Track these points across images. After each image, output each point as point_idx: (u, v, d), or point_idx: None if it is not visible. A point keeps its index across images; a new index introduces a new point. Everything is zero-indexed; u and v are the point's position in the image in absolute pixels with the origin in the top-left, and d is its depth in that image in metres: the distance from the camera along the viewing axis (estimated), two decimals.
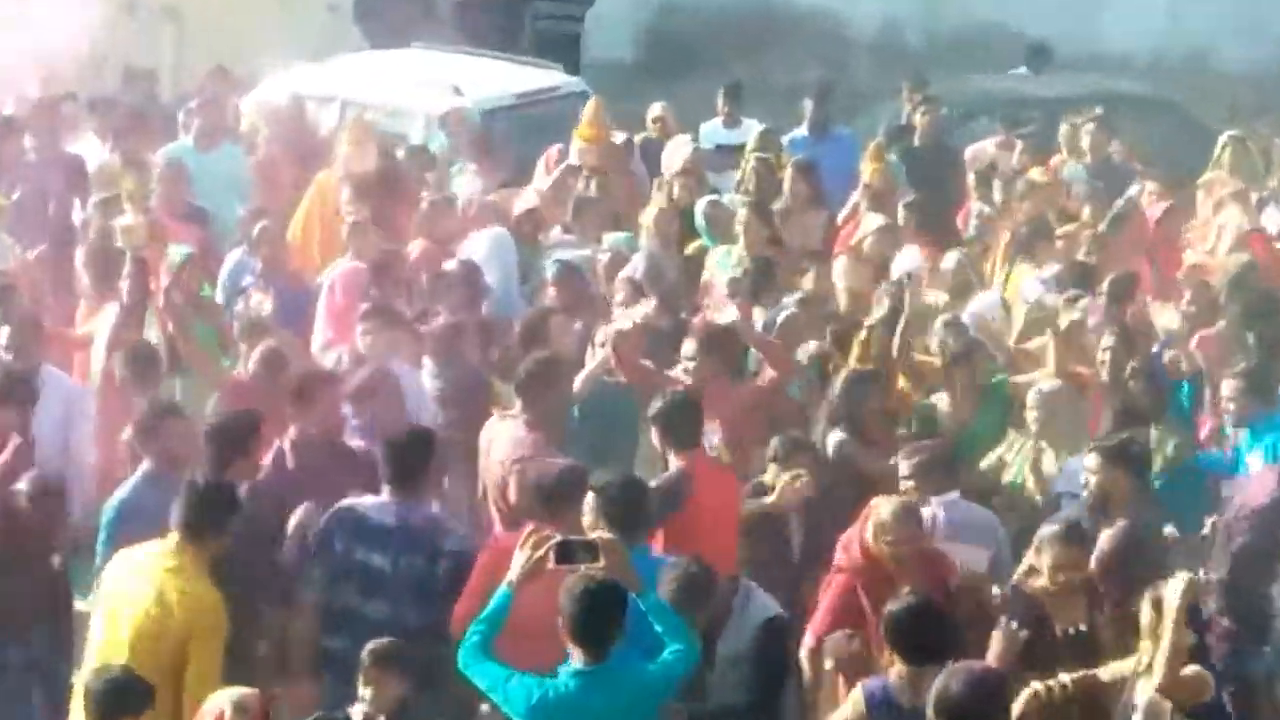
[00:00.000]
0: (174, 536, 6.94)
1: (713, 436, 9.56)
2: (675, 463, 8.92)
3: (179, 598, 6.84)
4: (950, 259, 12.61)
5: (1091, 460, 8.28)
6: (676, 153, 13.99)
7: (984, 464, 9.65)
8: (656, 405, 8.72)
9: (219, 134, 14.49)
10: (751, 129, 15.00)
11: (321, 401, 9.31)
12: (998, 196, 13.68)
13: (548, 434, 9.42)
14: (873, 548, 7.60)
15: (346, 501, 8.23)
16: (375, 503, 8.27)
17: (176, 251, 12.06)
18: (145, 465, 8.66)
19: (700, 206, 13.15)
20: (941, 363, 10.67)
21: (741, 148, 14.69)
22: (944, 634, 6.78)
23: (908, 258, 12.57)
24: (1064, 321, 10.78)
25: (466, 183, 14.10)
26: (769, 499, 8.65)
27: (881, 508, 7.74)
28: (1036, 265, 12.48)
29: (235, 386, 10.27)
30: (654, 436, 9.05)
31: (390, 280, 11.81)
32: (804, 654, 7.84)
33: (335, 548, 8.19)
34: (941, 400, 10.52)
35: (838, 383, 9.93)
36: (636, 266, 12.10)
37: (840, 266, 12.21)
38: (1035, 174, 14.24)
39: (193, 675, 6.61)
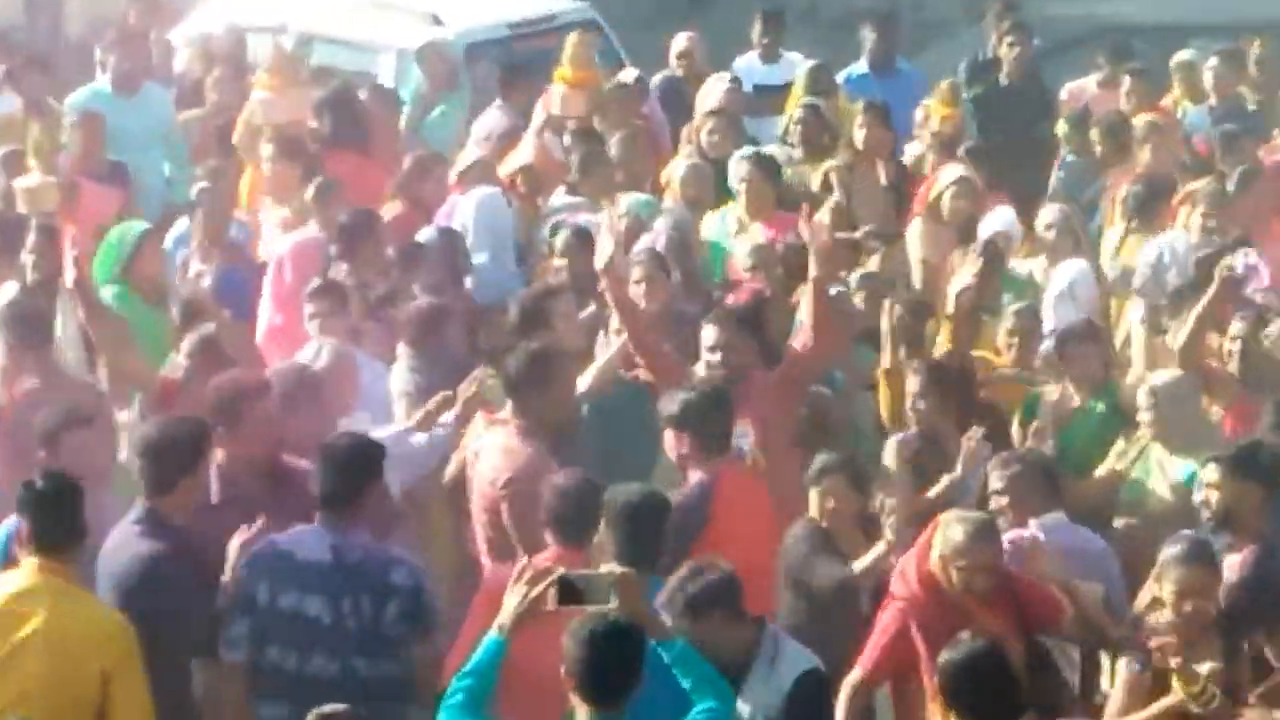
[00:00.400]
0: (31, 562, 6.79)
1: (743, 441, 9.43)
2: (696, 475, 8.77)
3: (76, 629, 6.73)
4: (1050, 214, 12.39)
5: (1212, 472, 8.11)
6: (711, 94, 13.87)
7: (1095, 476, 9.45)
8: (676, 403, 8.55)
9: (142, 75, 14.35)
10: (796, 65, 14.79)
11: (252, 414, 9.08)
12: (1097, 147, 13.56)
13: (547, 443, 9.16)
14: (938, 574, 7.45)
15: (269, 536, 8.04)
16: (303, 534, 8.04)
17: (126, 229, 11.79)
18: None
19: (736, 161, 12.73)
20: (1016, 357, 10.64)
21: (784, 88, 14.61)
22: (1012, 691, 6.62)
23: (999, 218, 12.44)
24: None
25: (489, 120, 14.10)
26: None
27: (952, 525, 7.55)
28: (1149, 231, 12.35)
29: (166, 386, 10.07)
30: (670, 443, 8.89)
31: (364, 252, 11.63)
32: (843, 696, 7.64)
33: (258, 595, 8.00)
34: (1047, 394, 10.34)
35: (912, 376, 9.71)
36: (658, 235, 11.81)
37: (914, 232, 12.16)
38: (1145, 119, 13.90)
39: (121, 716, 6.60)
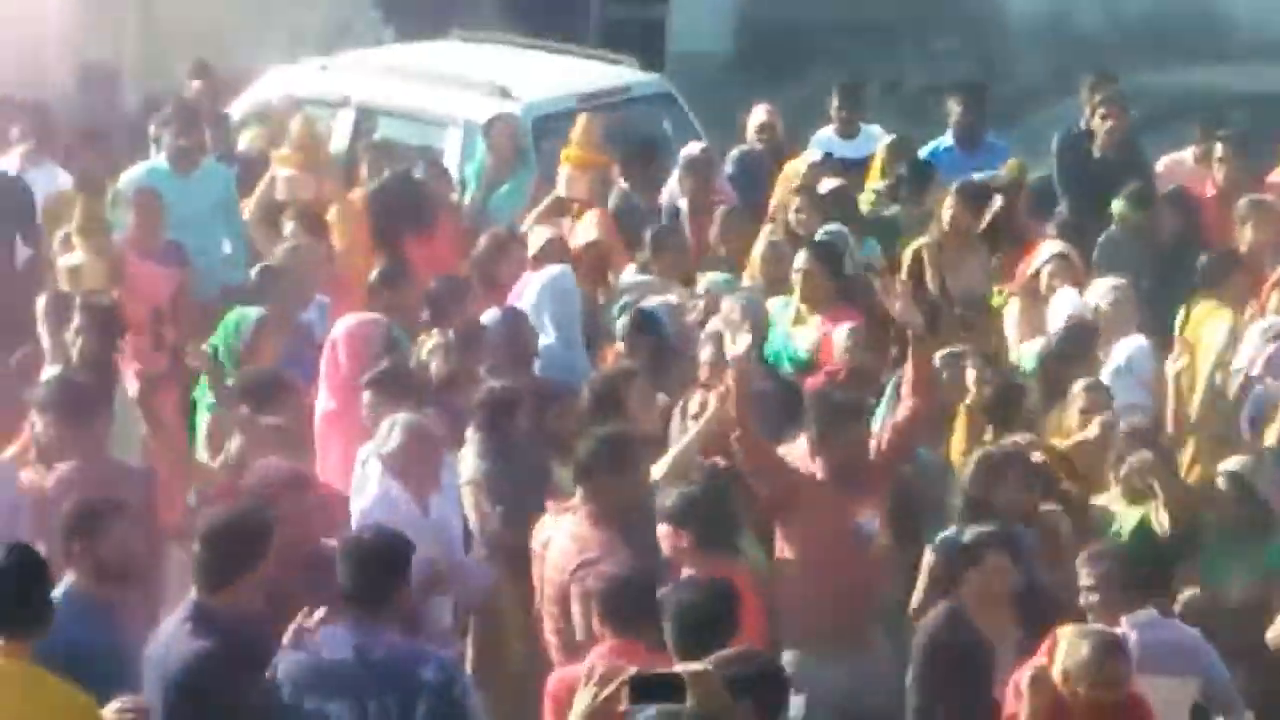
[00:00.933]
0: None
1: (871, 525, 9.19)
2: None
3: (48, 714, 6.48)
4: (1101, 289, 12.07)
5: None
6: (799, 171, 13.72)
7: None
8: (677, 498, 8.33)
9: (199, 151, 14.10)
10: (875, 139, 14.69)
11: (291, 506, 8.78)
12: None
13: (618, 531, 8.92)
14: (1063, 691, 7.18)
15: (299, 633, 7.66)
16: (330, 632, 7.67)
17: (242, 317, 11.75)
18: (66, 580, 7.92)
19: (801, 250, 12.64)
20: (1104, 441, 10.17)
21: (863, 162, 14.37)
22: None
23: (1071, 296, 12.20)
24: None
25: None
26: None
27: (1078, 641, 7.23)
28: (1221, 301, 11.97)
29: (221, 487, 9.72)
30: (666, 538, 8.50)
31: (455, 318, 11.50)
32: None
33: (285, 696, 7.77)
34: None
35: (973, 463, 9.51)
36: (731, 311, 11.39)
37: (1012, 311, 12.08)
38: (1248, 198, 13.56)
39: None
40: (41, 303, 11.88)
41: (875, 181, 14.02)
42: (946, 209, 13.10)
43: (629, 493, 9.26)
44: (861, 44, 18.74)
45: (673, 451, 10.16)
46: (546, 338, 11.64)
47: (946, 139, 14.73)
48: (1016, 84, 17.98)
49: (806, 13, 19.37)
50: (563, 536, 8.87)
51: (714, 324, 11.46)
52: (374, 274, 12.30)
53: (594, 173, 13.58)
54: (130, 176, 13.89)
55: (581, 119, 14.00)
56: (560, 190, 13.54)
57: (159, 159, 14.18)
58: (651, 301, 11.99)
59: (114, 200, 13.72)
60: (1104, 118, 14.52)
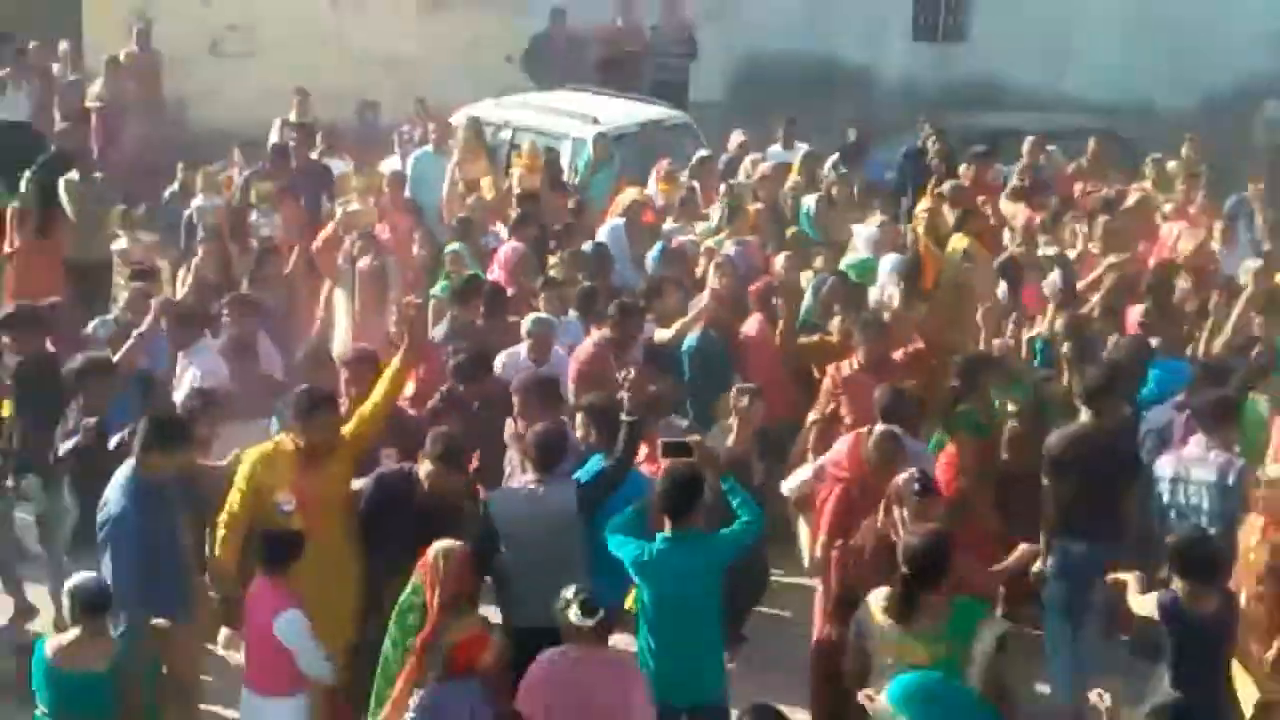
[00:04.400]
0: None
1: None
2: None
3: None
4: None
5: None
6: (761, 168, 15.77)
7: None
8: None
9: (442, 142, 16.22)
10: (800, 150, 16.49)
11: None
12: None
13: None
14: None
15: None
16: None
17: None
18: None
19: (809, 201, 14.77)
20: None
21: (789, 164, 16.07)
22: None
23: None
24: None
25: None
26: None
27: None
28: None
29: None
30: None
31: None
32: None
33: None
34: None
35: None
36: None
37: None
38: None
39: None
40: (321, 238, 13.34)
41: (794, 176, 15.66)
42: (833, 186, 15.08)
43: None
44: (804, 96, 19.77)
45: (682, 320, 11.33)
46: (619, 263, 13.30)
47: (839, 154, 16.65)
48: (884, 122, 19.17)
49: (771, 78, 21.12)
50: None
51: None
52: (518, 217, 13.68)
53: (533, 175, 15.38)
54: (410, 160, 16.12)
55: (528, 143, 15.89)
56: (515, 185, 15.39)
57: (427, 148, 16.29)
58: (677, 240, 13.72)
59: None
60: (933, 143, 16.80)
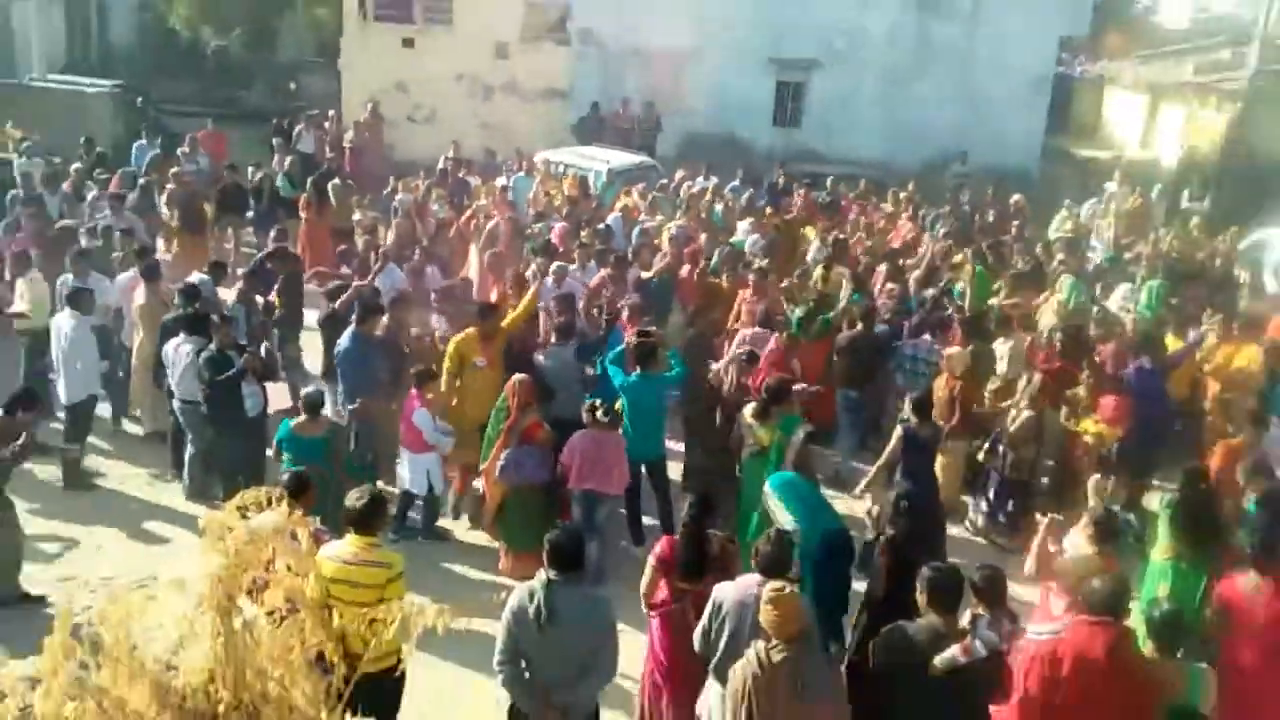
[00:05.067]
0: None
1: None
2: None
3: None
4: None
5: None
6: (696, 187, 15.31)
7: None
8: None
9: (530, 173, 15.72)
10: (709, 180, 15.79)
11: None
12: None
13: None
14: None
15: None
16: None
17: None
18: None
19: (718, 208, 14.19)
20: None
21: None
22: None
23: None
24: None
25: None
26: None
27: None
28: None
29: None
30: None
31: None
32: None
33: None
34: None
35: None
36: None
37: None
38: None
39: None
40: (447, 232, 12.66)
41: (710, 194, 14.88)
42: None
43: None
44: (716, 154, 18.97)
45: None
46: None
47: (735, 182, 16.07)
48: (757, 169, 17.86)
49: (698, 144, 19.99)
50: None
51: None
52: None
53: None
54: (511, 180, 15.18)
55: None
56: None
57: (518, 174, 15.60)
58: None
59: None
60: (782, 180, 16.59)
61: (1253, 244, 14.03)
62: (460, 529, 8.47)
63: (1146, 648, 4.84)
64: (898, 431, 7.75)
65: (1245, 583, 5.45)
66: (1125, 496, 7.55)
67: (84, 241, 11.01)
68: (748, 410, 7.38)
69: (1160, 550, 6.16)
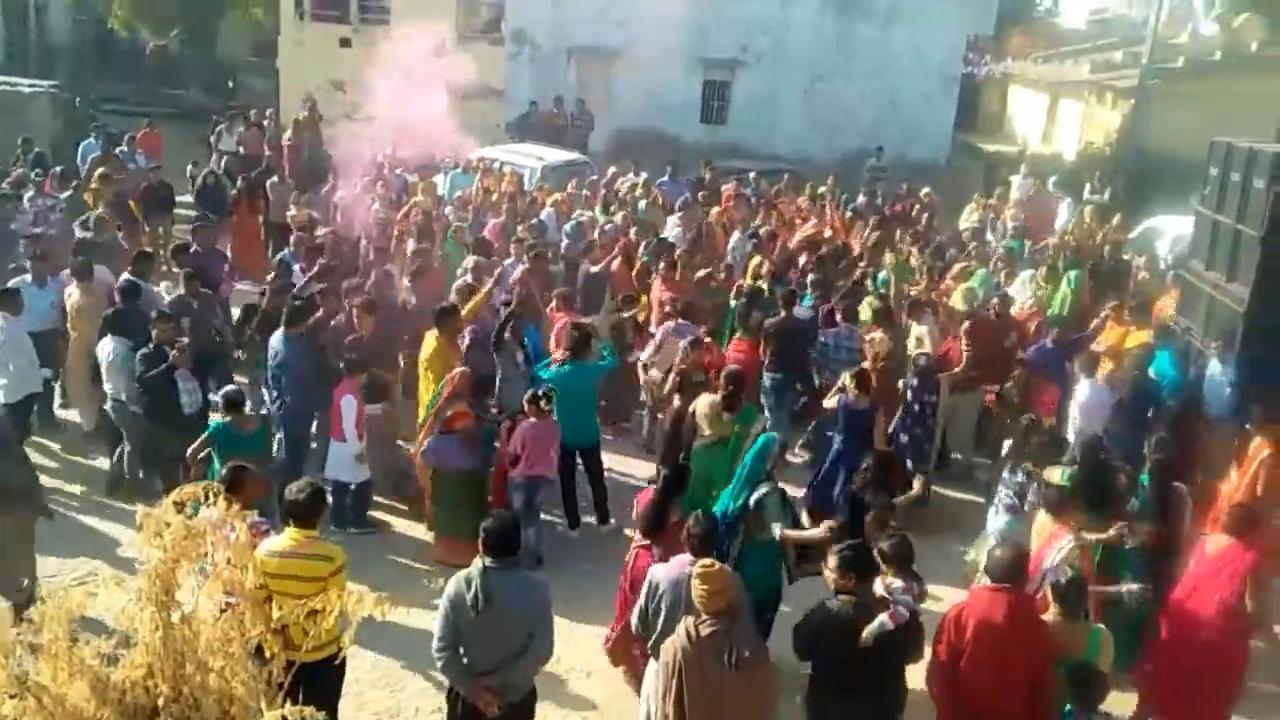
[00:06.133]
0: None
1: None
2: None
3: None
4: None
5: None
6: (628, 183, 15.20)
7: None
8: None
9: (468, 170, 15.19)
10: (639, 176, 15.51)
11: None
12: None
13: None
14: None
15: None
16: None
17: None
18: None
19: (643, 203, 13.99)
20: None
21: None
22: None
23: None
24: None
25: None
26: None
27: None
28: None
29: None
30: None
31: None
32: None
33: None
34: None
35: None
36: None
37: None
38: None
39: None
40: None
41: (639, 189, 14.68)
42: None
43: None
44: (645, 150, 18.45)
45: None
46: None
47: (664, 178, 15.84)
48: (685, 164, 17.65)
49: (628, 141, 19.65)
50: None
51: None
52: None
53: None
54: (452, 174, 14.90)
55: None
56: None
57: (455, 171, 15.15)
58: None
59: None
60: (709, 174, 16.29)
61: (1146, 231, 14.31)
62: (399, 520, 8.35)
63: (1050, 611, 4.97)
64: (836, 401, 7.86)
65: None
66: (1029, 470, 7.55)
67: (20, 246, 10.69)
68: (705, 401, 7.12)
69: (1048, 521, 6.19)
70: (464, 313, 8.54)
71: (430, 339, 8.15)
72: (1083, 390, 8.31)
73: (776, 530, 5.76)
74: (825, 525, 5.80)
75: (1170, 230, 13.28)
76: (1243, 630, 5.51)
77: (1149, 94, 19.83)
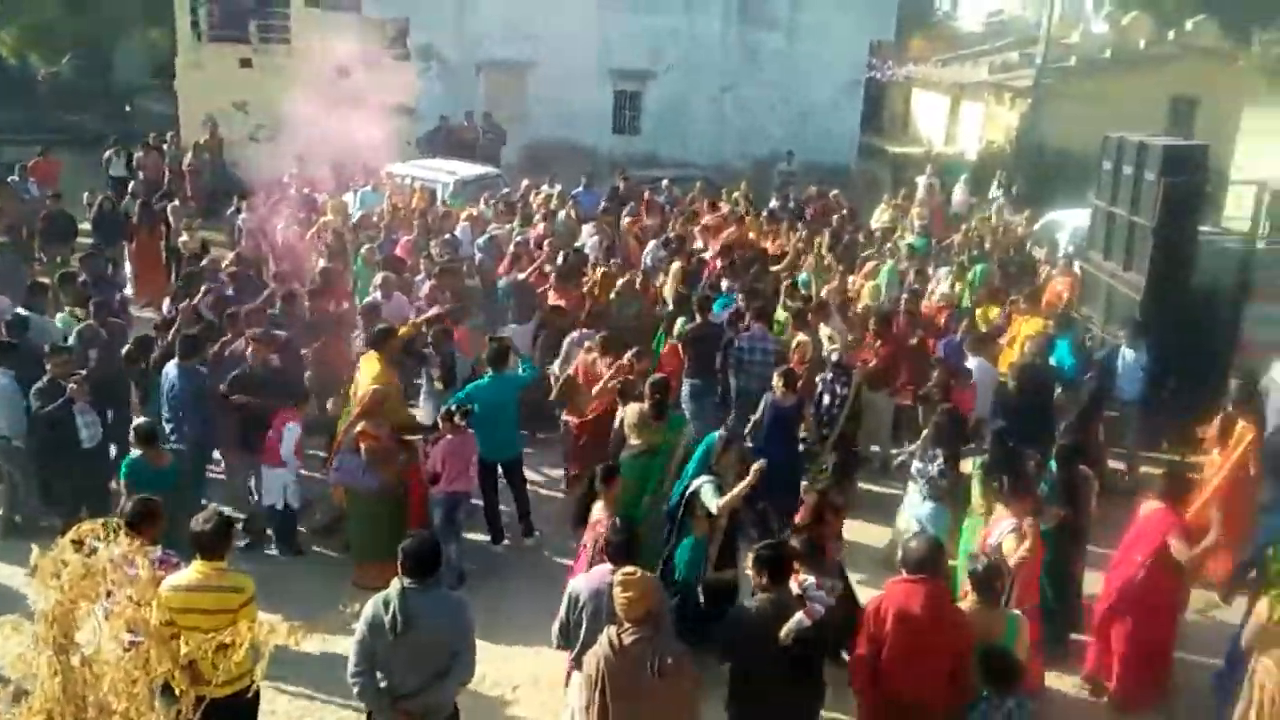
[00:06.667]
0: None
1: None
2: None
3: None
4: None
5: None
6: (542, 195, 15.19)
7: None
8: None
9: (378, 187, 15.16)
10: (554, 188, 15.71)
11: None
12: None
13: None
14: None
15: None
16: None
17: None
18: None
19: (561, 214, 13.97)
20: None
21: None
22: None
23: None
24: None
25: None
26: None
27: None
28: None
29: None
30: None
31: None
32: None
33: None
34: None
35: None
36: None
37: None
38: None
39: None
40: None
41: (555, 201, 14.70)
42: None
43: None
44: (559, 162, 18.42)
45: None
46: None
47: (579, 189, 16.01)
48: (599, 174, 17.92)
49: (541, 153, 19.65)
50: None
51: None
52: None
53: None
54: (361, 192, 14.82)
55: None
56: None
57: (365, 188, 14.96)
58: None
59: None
60: (623, 184, 16.46)
61: (1047, 224, 14.64)
62: (317, 542, 8.21)
63: (969, 599, 5.01)
64: (765, 399, 7.84)
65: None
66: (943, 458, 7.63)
67: None
68: (633, 410, 7.08)
69: (974, 507, 6.47)
70: (401, 332, 8.42)
71: (371, 361, 7.90)
72: (971, 367, 8.54)
73: (714, 506, 5.85)
74: (755, 468, 5.87)
75: (1070, 223, 13.57)
76: (1170, 570, 5.74)
77: (1044, 93, 20.51)
